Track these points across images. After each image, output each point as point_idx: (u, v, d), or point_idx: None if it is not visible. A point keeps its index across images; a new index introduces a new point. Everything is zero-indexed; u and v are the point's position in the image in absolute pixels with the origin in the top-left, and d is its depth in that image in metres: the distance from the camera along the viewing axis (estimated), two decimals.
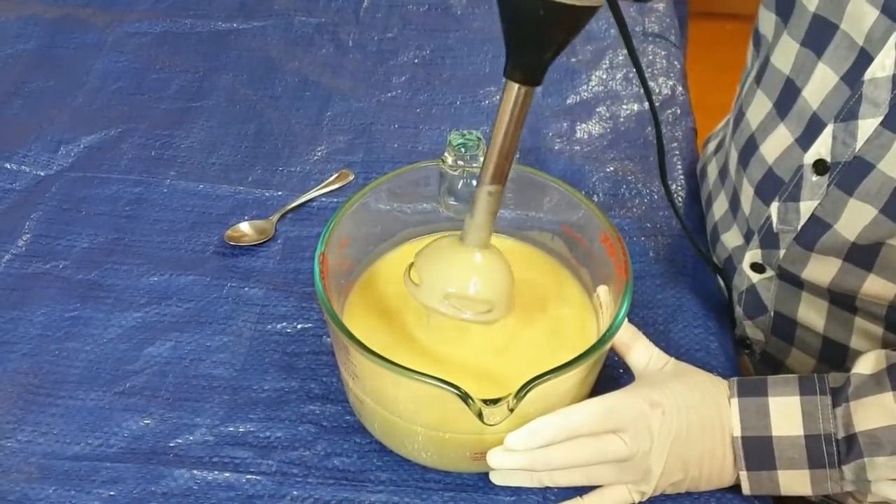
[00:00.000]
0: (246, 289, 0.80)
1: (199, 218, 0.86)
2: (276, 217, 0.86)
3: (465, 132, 0.72)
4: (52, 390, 0.72)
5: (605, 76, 1.02)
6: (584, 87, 1.01)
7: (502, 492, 0.66)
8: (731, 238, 0.77)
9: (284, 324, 0.77)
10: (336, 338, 0.64)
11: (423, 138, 0.95)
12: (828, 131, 0.64)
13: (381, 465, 0.68)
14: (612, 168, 0.91)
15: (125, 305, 0.78)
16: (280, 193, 0.89)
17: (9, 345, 0.75)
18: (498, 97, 1.00)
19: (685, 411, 0.62)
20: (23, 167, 0.91)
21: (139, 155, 0.93)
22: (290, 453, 0.68)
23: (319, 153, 0.93)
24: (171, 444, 0.69)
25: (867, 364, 0.62)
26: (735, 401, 0.62)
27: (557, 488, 0.65)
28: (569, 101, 0.99)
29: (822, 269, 0.68)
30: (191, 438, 0.69)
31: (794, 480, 0.62)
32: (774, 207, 0.69)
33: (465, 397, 0.57)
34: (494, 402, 0.57)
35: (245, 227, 0.85)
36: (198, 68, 1.03)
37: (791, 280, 0.71)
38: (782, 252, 0.69)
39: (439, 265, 0.64)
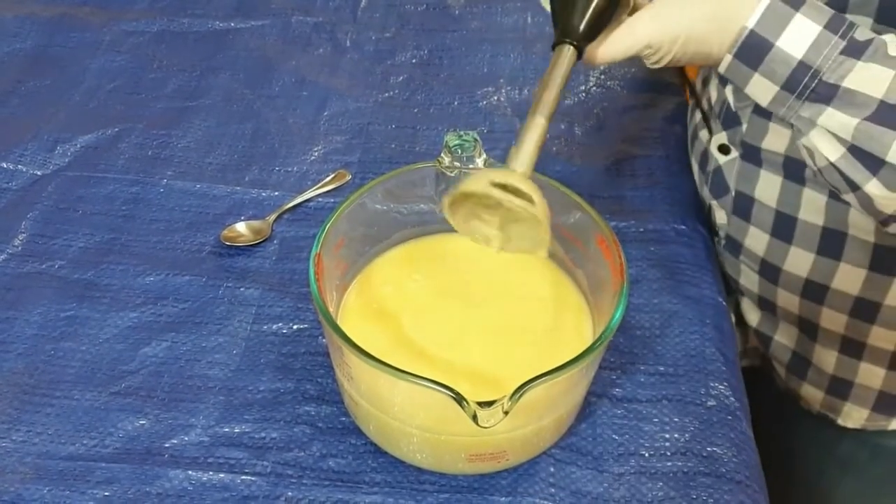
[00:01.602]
0: (242, 289, 0.80)
1: (195, 218, 0.86)
2: (272, 217, 0.86)
3: (462, 133, 0.72)
4: (48, 390, 0.72)
5: (602, 77, 1.02)
6: (582, 87, 1.01)
7: (497, 493, 0.66)
8: (707, 132, 0.85)
9: (280, 324, 0.77)
10: (331, 339, 0.64)
11: (421, 138, 0.95)
12: None
13: (376, 467, 0.68)
14: (609, 170, 0.91)
15: (121, 305, 0.78)
16: (277, 193, 0.89)
17: (4, 344, 0.75)
18: (495, 98, 1.00)
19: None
20: (19, 166, 0.91)
21: (136, 154, 0.93)
22: (286, 454, 0.68)
23: (316, 153, 0.93)
24: (167, 445, 0.69)
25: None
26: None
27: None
28: (567, 102, 0.99)
29: (777, 139, 0.74)
30: (186, 439, 0.69)
31: (759, 87, 0.66)
32: (729, 89, 0.78)
33: (459, 400, 0.57)
34: (489, 404, 0.57)
35: (241, 227, 0.85)
36: (195, 68, 1.03)
37: (752, 158, 0.78)
38: (744, 127, 0.76)
39: (483, 172, 0.65)
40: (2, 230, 0.84)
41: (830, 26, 0.63)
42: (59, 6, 1.11)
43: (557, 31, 0.65)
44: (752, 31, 0.64)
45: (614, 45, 0.66)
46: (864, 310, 0.79)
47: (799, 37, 0.63)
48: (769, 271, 0.82)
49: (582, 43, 0.64)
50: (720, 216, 0.85)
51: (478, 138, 0.71)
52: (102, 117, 0.97)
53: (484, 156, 0.71)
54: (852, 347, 0.82)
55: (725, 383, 0.73)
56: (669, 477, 0.67)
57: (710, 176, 0.83)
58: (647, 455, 0.69)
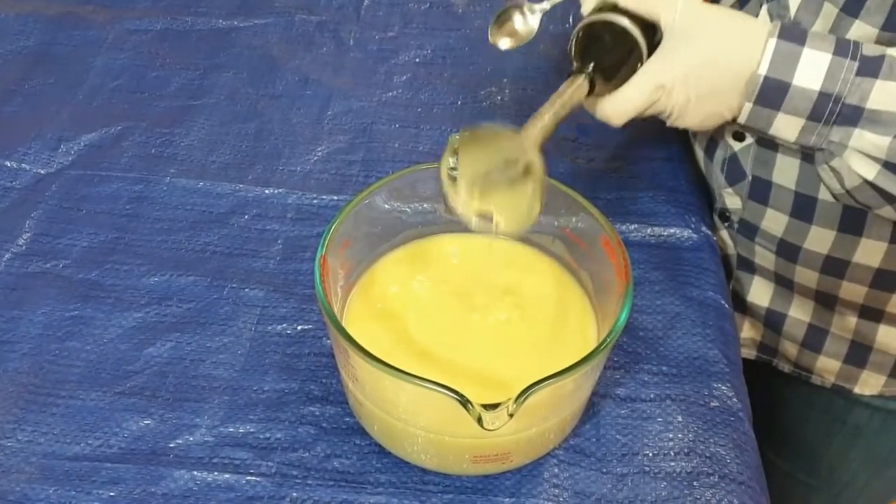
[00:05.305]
0: (246, 290, 0.80)
1: (199, 216, 0.86)
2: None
3: None
4: (53, 390, 0.72)
5: None
6: None
7: (501, 494, 0.67)
8: None
9: (284, 325, 0.77)
10: (336, 341, 0.64)
11: (424, 138, 0.95)
12: (763, 11, 0.73)
13: (380, 467, 0.68)
14: (614, 172, 0.91)
15: (126, 305, 0.79)
16: (281, 191, 0.89)
17: (9, 344, 0.75)
18: (499, 97, 1.00)
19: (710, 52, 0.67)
20: (23, 165, 0.91)
21: (139, 153, 0.93)
22: (290, 454, 0.69)
23: (320, 152, 0.93)
24: (171, 445, 0.69)
25: None
26: (773, 41, 0.66)
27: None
28: None
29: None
30: (191, 439, 0.69)
31: (785, 124, 0.68)
32: None
33: (464, 402, 0.57)
34: (494, 406, 0.57)
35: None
36: (198, 66, 1.03)
37: (768, 144, 0.77)
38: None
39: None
40: (6, 229, 0.85)
41: (839, 52, 0.65)
42: (63, 5, 1.11)
43: (575, 65, 0.68)
44: (766, 77, 0.66)
45: (626, 92, 0.68)
46: (885, 280, 0.80)
47: (813, 70, 0.65)
48: (788, 251, 0.82)
49: (595, 76, 0.67)
50: (733, 202, 0.84)
51: None
52: (106, 116, 0.97)
53: None
54: (871, 313, 0.83)
55: (728, 384, 0.74)
56: (673, 477, 0.68)
57: (724, 163, 0.82)
58: (650, 455, 0.69)
